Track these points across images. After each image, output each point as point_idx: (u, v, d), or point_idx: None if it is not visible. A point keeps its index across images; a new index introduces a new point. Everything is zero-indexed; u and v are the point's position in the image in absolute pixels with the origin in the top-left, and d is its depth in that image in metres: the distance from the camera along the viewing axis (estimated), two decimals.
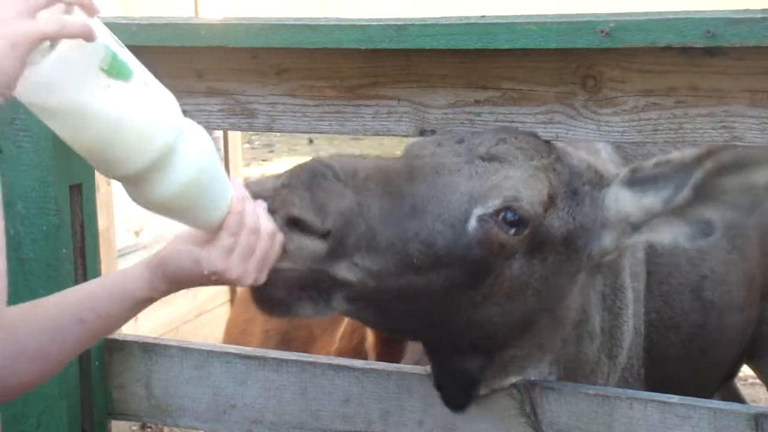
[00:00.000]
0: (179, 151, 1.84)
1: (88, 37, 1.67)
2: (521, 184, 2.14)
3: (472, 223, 2.09)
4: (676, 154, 2.20)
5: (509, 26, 2.19)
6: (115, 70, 1.74)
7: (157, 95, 1.83)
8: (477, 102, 2.34)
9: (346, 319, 3.06)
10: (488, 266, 2.11)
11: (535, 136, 2.28)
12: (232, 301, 6.13)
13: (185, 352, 2.67)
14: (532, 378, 2.34)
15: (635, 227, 2.22)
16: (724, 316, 3.15)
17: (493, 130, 2.28)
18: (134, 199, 1.91)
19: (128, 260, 4.82)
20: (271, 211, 2.02)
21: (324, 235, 2.02)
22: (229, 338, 3.78)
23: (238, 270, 1.96)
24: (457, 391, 2.35)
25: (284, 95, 2.46)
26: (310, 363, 2.56)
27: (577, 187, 2.23)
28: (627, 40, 2.11)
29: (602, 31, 2.11)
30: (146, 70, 1.84)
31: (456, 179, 2.14)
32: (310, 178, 2.05)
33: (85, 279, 2.63)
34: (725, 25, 2.04)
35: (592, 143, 2.65)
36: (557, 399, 2.34)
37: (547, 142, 2.28)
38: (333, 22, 2.32)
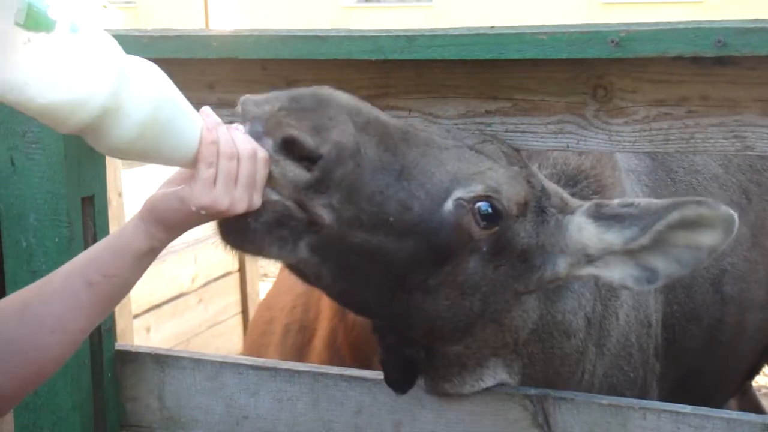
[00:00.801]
0: (125, 93, 1.78)
1: None
2: (504, 179, 2.16)
3: (449, 204, 2.09)
4: (642, 199, 2.25)
5: (519, 36, 2.19)
6: (33, 22, 1.67)
7: (90, 40, 1.76)
8: (488, 112, 2.34)
9: None
10: (451, 252, 2.11)
11: (515, 149, 2.32)
12: (243, 312, 6.14)
13: (198, 363, 2.67)
14: (495, 376, 2.38)
15: (590, 260, 2.25)
16: (744, 312, 3.15)
17: (479, 133, 2.32)
18: (98, 150, 1.86)
19: None
20: (264, 133, 1.96)
21: (313, 161, 1.96)
22: (250, 340, 3.77)
23: (225, 200, 1.91)
24: (399, 375, 2.40)
25: None
26: (322, 374, 2.56)
27: (545, 206, 2.26)
28: (638, 50, 2.11)
29: (613, 41, 2.11)
30: (75, 12, 1.76)
31: (444, 156, 2.14)
32: (315, 102, 2.00)
33: None
34: (736, 35, 2.04)
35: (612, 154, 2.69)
36: (570, 409, 2.34)
37: (522, 155, 2.34)
38: (343, 34, 2.33)
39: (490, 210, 2.12)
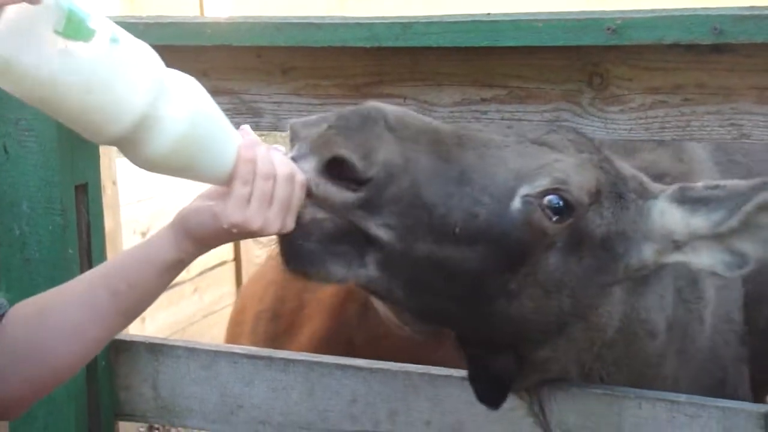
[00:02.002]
0: (163, 107, 1.76)
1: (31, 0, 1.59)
2: (571, 169, 2.07)
3: (516, 203, 2.01)
4: (727, 181, 2.16)
5: (515, 24, 2.18)
6: (71, 30, 1.65)
7: (130, 52, 1.75)
8: (483, 100, 2.33)
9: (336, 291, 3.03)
10: (526, 252, 2.03)
11: (585, 135, 2.24)
12: None
13: (192, 352, 2.67)
14: (579, 377, 2.30)
15: (677, 246, 2.16)
16: None
17: (544, 124, 2.24)
18: (133, 162, 1.83)
19: None
20: (306, 156, 1.92)
21: (361, 184, 1.91)
22: (227, 331, 3.74)
23: (258, 220, 1.86)
24: (490, 387, 2.27)
25: (289, 94, 2.46)
26: (317, 363, 2.55)
27: (623, 191, 2.17)
28: (634, 38, 2.11)
29: (609, 29, 2.11)
30: (117, 27, 1.75)
31: (505, 154, 2.06)
32: (360, 121, 1.94)
33: None
34: (732, 22, 2.03)
35: (684, 145, 2.59)
36: (565, 399, 2.33)
37: (594, 142, 2.24)
38: (338, 21, 2.32)
39: (560, 203, 2.03)
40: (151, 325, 5.13)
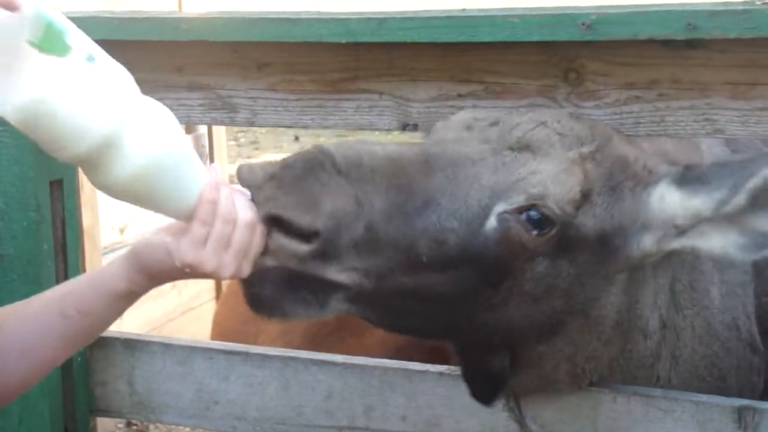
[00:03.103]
0: (129, 133, 1.73)
1: (9, 6, 1.57)
2: (550, 179, 1.99)
3: (491, 222, 1.95)
4: (735, 157, 2.04)
5: (491, 19, 2.18)
6: (47, 43, 1.62)
7: (104, 73, 1.71)
8: (460, 95, 2.33)
9: None
10: (507, 268, 1.97)
11: (582, 118, 2.16)
12: (218, 298, 6.12)
13: (168, 348, 2.66)
14: (568, 376, 2.25)
15: (681, 231, 2.06)
16: None
17: (537, 112, 2.16)
18: (93, 184, 1.80)
19: (113, 258, 4.80)
20: (256, 204, 1.89)
21: (310, 236, 1.88)
22: (226, 330, 3.62)
23: (212, 262, 1.84)
24: (484, 385, 2.24)
25: (265, 89, 2.45)
26: (293, 358, 2.55)
27: (619, 181, 2.07)
28: (609, 33, 2.11)
29: (584, 24, 2.11)
30: (97, 47, 1.72)
31: (478, 170, 2.00)
32: (305, 169, 1.89)
33: (66, 276, 2.61)
34: (706, 18, 2.04)
35: (696, 140, 2.47)
36: (541, 393, 2.33)
37: (596, 124, 2.16)
38: (313, 16, 2.31)
39: (539, 216, 1.96)
40: (129, 321, 5.11)
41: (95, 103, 1.69)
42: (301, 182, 1.88)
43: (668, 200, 2.06)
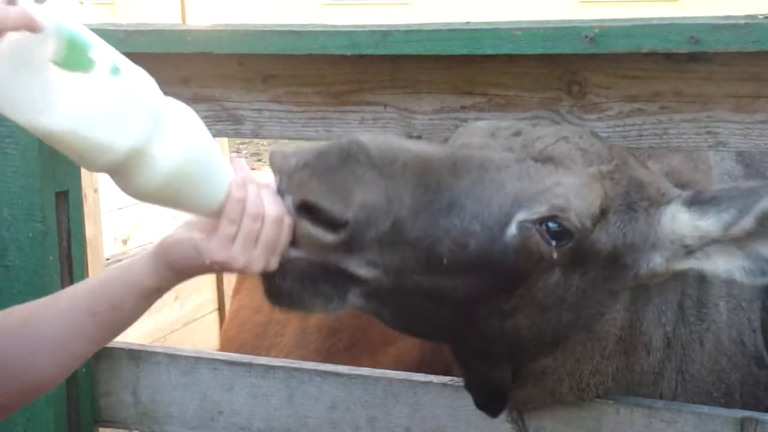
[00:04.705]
0: (157, 140, 1.75)
1: (32, 27, 1.57)
2: (573, 192, 2.00)
3: (512, 229, 1.96)
4: (744, 183, 2.05)
5: (494, 32, 2.19)
6: (70, 61, 1.63)
7: (129, 84, 1.72)
8: (463, 108, 2.35)
9: None
10: (522, 276, 1.98)
11: (600, 138, 2.18)
12: (220, 309, 6.11)
13: (172, 358, 2.67)
14: (572, 391, 2.25)
15: (689, 251, 2.08)
16: None
17: (557, 127, 2.17)
18: (123, 190, 1.82)
19: None
20: (285, 192, 1.88)
21: (339, 226, 1.87)
22: (238, 344, 3.59)
23: (241, 259, 1.85)
24: (487, 397, 2.26)
25: (270, 101, 2.47)
26: (297, 369, 2.56)
27: (634, 201, 2.09)
28: (611, 46, 2.12)
29: (587, 37, 2.12)
30: (120, 56, 1.73)
31: (503, 177, 2.00)
32: (339, 159, 1.88)
33: None
34: (709, 31, 2.05)
35: (704, 153, 2.50)
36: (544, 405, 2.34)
37: (612, 146, 2.18)
38: (319, 29, 2.33)
39: (559, 228, 1.97)
40: (132, 332, 5.09)
41: (122, 118, 1.70)
42: (335, 171, 1.87)
43: (679, 220, 2.08)
